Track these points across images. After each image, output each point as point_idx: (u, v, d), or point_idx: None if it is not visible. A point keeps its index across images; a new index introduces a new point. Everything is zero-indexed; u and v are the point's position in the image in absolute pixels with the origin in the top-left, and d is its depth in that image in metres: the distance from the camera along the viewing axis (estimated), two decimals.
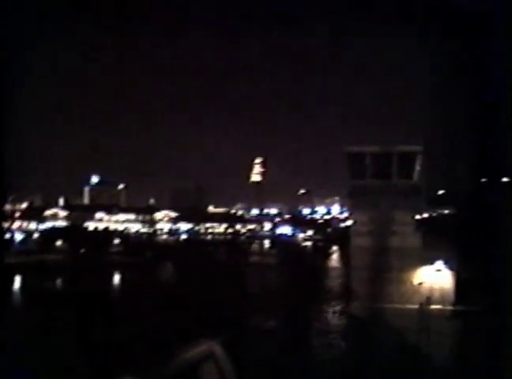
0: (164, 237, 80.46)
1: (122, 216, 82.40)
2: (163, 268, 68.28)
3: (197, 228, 78.69)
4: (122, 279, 66.62)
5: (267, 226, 74.71)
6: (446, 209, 55.52)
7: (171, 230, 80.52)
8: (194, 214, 78.21)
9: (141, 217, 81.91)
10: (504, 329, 22.02)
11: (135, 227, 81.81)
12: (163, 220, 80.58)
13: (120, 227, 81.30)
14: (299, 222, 73.56)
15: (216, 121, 58.67)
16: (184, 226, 79.11)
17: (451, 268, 48.31)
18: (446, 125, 50.00)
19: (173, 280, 64.06)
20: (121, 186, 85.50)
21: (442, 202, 54.54)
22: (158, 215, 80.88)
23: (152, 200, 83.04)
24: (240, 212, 76.79)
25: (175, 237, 79.39)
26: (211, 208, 77.28)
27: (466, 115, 49.93)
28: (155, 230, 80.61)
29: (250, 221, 75.57)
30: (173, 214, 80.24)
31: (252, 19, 48.84)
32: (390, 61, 54.75)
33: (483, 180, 51.74)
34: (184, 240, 78.50)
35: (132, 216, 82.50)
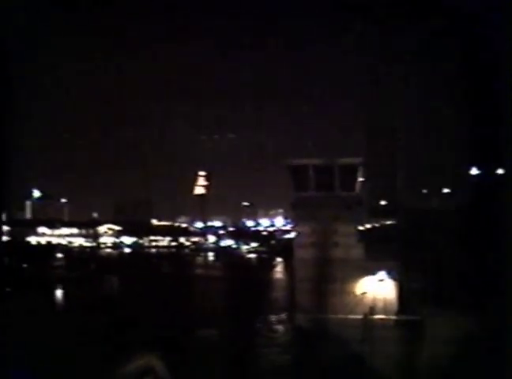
0: (108, 250, 79.85)
1: (64, 230, 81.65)
2: (106, 282, 67.71)
3: (140, 241, 78.19)
4: (64, 293, 65.93)
5: (211, 238, 74.72)
6: (388, 220, 56.23)
7: (114, 243, 79.81)
8: (138, 227, 77.82)
9: (84, 231, 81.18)
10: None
11: (78, 241, 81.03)
12: (107, 234, 79.99)
13: (63, 242, 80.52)
14: (243, 234, 73.66)
15: (158, 134, 58.46)
16: (128, 239, 78.62)
17: (393, 278, 48.96)
18: (386, 137, 50.78)
19: (116, 293, 63.55)
20: (63, 200, 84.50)
21: (384, 213, 55.23)
22: (101, 228, 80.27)
23: (95, 214, 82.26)
24: (184, 225, 76.62)
25: (119, 250, 78.84)
26: (154, 221, 76.91)
27: (406, 126, 50.86)
28: (98, 244, 79.94)
29: (194, 234, 75.48)
30: (116, 227, 79.64)
31: None
32: (329, 73, 55.25)
33: (424, 191, 52.70)
34: (128, 253, 77.99)
35: (75, 230, 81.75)
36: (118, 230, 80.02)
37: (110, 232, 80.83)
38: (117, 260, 77.26)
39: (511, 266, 22.30)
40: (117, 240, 79.65)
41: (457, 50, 46.27)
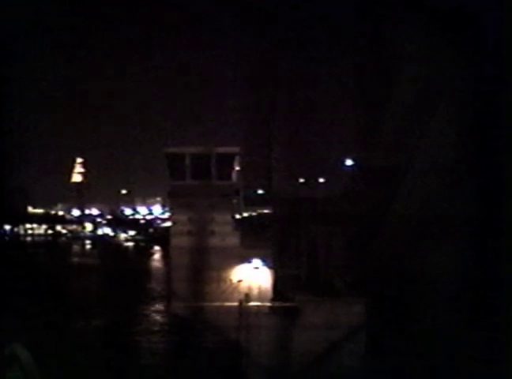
0: None
1: None
2: None
3: (16, 229, 76.28)
4: None
5: (88, 226, 73.74)
6: (265, 209, 56.94)
7: None
8: (13, 215, 75.90)
9: None
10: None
11: None
12: None
13: None
14: (120, 222, 72.96)
15: (36, 120, 57.09)
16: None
17: (268, 266, 49.71)
18: (263, 126, 51.32)
19: None
20: None
21: (260, 202, 55.86)
22: None
23: None
24: (61, 213, 75.20)
25: None
26: (30, 209, 75.11)
27: (283, 115, 51.58)
28: None
29: (71, 222, 74.26)
30: None
31: None
32: (211, 60, 55.36)
33: (301, 180, 53.60)
34: (2, 241, 76.04)
35: None
36: None
37: None
38: None
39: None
40: None
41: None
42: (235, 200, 52.95)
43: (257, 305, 48.47)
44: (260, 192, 54.93)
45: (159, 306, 57.45)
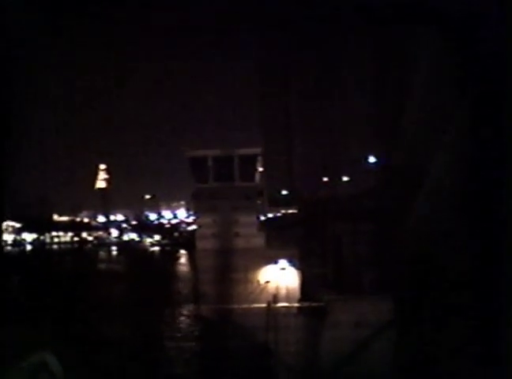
0: (9, 248, 78.14)
1: None
2: (7, 281, 66.26)
3: (42, 238, 76.72)
4: None
5: (114, 232, 73.96)
6: (289, 209, 56.92)
7: (15, 240, 78.09)
8: (39, 223, 76.33)
9: None
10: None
11: None
12: (7, 231, 78.29)
13: None
14: (146, 227, 73.14)
15: (58, 128, 57.28)
16: (29, 236, 77.06)
17: (295, 266, 49.63)
18: (285, 125, 51.30)
19: (19, 291, 62.33)
20: None
21: (285, 202, 55.85)
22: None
23: None
24: (86, 220, 75.51)
25: (20, 248, 77.22)
26: (56, 217, 75.48)
27: (306, 114, 51.48)
28: None
29: (97, 228, 74.53)
30: (17, 224, 77.99)
31: None
32: (227, 62, 55.32)
33: (325, 179, 53.48)
34: (29, 250, 76.49)
35: None
36: (19, 227, 78.31)
37: (10, 229, 79.06)
38: (19, 257, 75.63)
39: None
40: (18, 237, 77.81)
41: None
42: (259, 202, 52.93)
43: (285, 306, 48.40)
44: (284, 192, 54.92)
45: (187, 310, 57.48)
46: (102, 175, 70.62)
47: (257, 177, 52.52)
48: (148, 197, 70.50)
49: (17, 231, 77.76)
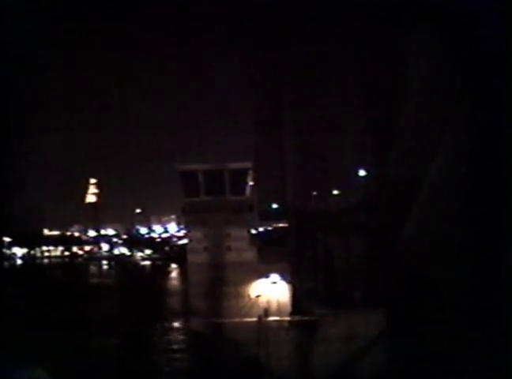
0: None
1: None
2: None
3: (32, 252, 76.47)
4: None
5: (105, 247, 73.89)
6: (280, 223, 56.93)
7: (4, 255, 77.78)
8: (29, 238, 76.10)
9: None
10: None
11: None
12: None
13: None
14: (136, 241, 73.10)
15: (47, 142, 57.18)
16: (19, 250, 76.79)
17: (286, 280, 49.59)
18: (275, 140, 51.37)
19: (9, 306, 62.04)
20: None
21: (275, 216, 55.82)
22: None
23: None
24: (77, 234, 75.37)
25: (10, 262, 76.92)
26: (46, 231, 75.27)
27: (295, 129, 51.59)
28: None
29: (87, 243, 74.45)
30: (6, 239, 77.68)
31: None
32: (222, 74, 55.47)
33: (314, 193, 53.51)
34: (20, 265, 76.22)
35: None
36: (9, 242, 78.00)
37: None
38: (9, 272, 75.30)
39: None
40: (8, 252, 77.45)
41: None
42: (249, 215, 52.84)
43: (277, 320, 48.34)
44: (274, 206, 54.88)
45: (177, 323, 57.37)
46: (92, 189, 70.53)
47: (248, 191, 52.49)
48: (138, 211, 70.46)
49: (7, 246, 77.55)
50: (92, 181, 70.69)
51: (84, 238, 75.21)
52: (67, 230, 75.50)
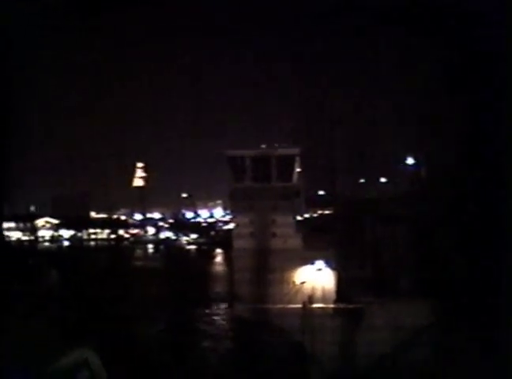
0: (46, 244, 78.78)
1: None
2: (46, 275, 66.78)
3: (79, 234, 77.28)
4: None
5: (151, 230, 74.29)
6: (326, 210, 56.68)
7: (53, 236, 78.72)
8: (76, 220, 76.89)
9: (21, 225, 79.92)
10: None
11: (16, 235, 79.76)
12: (45, 227, 78.89)
13: None
14: (182, 226, 73.36)
15: (95, 125, 57.70)
16: (66, 232, 77.65)
17: (331, 267, 49.41)
18: (323, 126, 51.07)
19: (58, 287, 62.74)
20: None
21: (321, 203, 55.64)
22: (39, 222, 79.13)
23: (32, 208, 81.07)
24: (123, 217, 75.91)
25: (58, 244, 77.82)
26: (93, 214, 75.99)
27: (343, 116, 51.24)
28: (36, 238, 78.76)
29: (133, 226, 74.94)
30: (54, 221, 78.59)
31: None
32: (271, 61, 55.37)
33: (362, 180, 53.23)
34: (67, 246, 77.07)
35: (12, 224, 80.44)
36: (57, 224, 78.97)
37: (48, 225, 79.74)
38: (56, 253, 76.29)
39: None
40: (55, 233, 78.52)
41: None
42: (296, 202, 52.74)
43: (321, 307, 48.20)
44: (321, 193, 54.70)
45: (221, 309, 57.50)
46: (139, 173, 70.98)
47: (295, 177, 52.37)
48: (185, 195, 70.75)
49: (55, 228, 78.49)
50: (139, 165, 71.19)
51: (130, 221, 75.74)
52: (114, 214, 76.11)
